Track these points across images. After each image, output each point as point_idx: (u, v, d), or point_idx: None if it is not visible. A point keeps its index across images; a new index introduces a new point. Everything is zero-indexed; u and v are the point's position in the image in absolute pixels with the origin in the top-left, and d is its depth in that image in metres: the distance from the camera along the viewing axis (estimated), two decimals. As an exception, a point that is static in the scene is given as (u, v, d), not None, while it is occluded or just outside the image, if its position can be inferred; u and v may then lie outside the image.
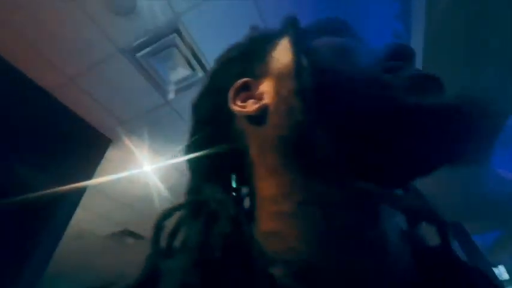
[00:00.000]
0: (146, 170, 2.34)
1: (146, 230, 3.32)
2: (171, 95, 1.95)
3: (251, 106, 0.31)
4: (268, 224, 0.29)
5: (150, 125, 2.07)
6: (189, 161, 0.36)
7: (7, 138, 1.40)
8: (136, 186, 2.53)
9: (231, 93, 0.33)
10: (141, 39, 1.65)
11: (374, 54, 0.30)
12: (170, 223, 0.31)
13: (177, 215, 0.31)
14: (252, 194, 0.33)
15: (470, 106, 0.24)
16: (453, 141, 0.24)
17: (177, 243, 0.30)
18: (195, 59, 1.80)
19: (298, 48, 0.30)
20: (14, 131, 1.49)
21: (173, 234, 0.30)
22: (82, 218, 2.71)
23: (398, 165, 0.26)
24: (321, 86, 0.27)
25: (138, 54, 1.72)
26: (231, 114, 0.34)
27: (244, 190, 0.35)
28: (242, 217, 0.28)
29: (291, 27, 0.34)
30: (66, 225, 1.64)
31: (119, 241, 3.32)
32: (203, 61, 1.81)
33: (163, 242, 0.29)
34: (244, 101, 0.32)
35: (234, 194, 0.34)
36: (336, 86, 0.27)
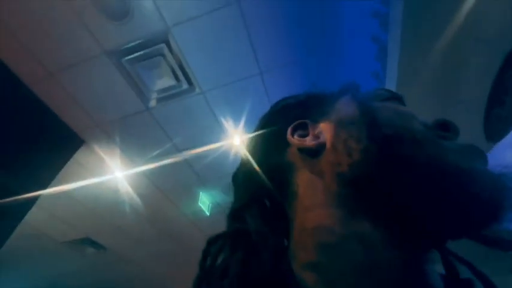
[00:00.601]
0: (117, 176, 2.26)
1: (109, 240, 3.15)
2: (153, 103, 1.95)
3: (309, 141, 0.35)
4: (307, 255, 0.30)
5: (127, 130, 2.04)
6: (236, 185, 0.40)
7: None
8: (104, 193, 2.43)
9: (290, 129, 0.37)
10: (129, 45, 1.67)
11: (426, 122, 0.34)
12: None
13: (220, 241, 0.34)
14: (290, 224, 0.35)
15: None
16: (497, 205, 0.26)
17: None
18: (181, 70, 1.83)
19: (362, 104, 0.36)
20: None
21: (215, 260, 0.32)
22: (41, 219, 2.55)
23: (443, 219, 0.28)
24: (381, 136, 0.31)
25: (124, 59, 1.73)
26: (283, 148, 0.38)
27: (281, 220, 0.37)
28: (281, 250, 0.31)
29: (353, 89, 0.41)
30: (16, 225, 1.53)
31: (78, 249, 3.11)
32: (189, 73, 1.84)
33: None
34: (300, 137, 0.36)
35: (272, 223, 0.36)
36: (395, 138, 0.30)
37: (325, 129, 0.36)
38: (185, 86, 1.91)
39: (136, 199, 2.57)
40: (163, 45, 1.69)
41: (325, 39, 1.79)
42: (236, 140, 2.21)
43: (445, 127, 0.33)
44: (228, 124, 2.12)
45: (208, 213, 2.84)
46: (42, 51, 1.63)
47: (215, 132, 2.17)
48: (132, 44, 1.66)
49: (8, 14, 1.49)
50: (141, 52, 1.71)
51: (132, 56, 1.71)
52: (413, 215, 0.28)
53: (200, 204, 2.73)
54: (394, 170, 0.29)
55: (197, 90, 1.93)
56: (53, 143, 1.80)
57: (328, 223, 0.30)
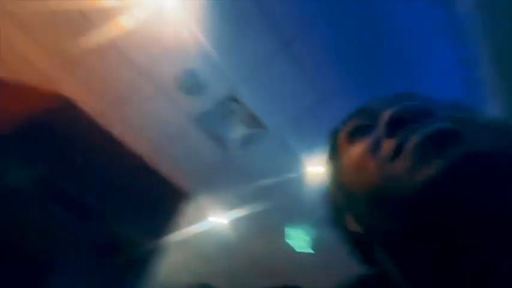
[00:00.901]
0: (218, 221, 2.54)
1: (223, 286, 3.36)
2: (234, 152, 2.21)
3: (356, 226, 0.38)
4: None
5: (218, 179, 2.34)
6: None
7: (107, 199, 1.82)
8: (212, 237, 2.73)
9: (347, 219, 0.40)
10: (206, 110, 2.02)
11: (376, 147, 0.32)
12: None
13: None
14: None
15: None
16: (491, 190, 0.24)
17: None
18: (251, 118, 2.06)
19: (332, 181, 0.41)
20: (116, 194, 1.93)
21: None
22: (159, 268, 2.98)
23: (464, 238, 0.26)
24: (359, 209, 0.34)
25: (205, 121, 2.08)
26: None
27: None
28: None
29: (329, 158, 0.44)
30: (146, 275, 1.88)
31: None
32: (258, 118, 2.05)
33: None
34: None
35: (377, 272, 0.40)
36: (366, 202, 0.32)
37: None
38: (257, 130, 2.11)
39: (240, 242, 2.76)
40: (233, 102, 1.98)
41: (383, 54, 1.73)
42: (316, 168, 2.21)
43: (394, 126, 0.30)
44: (304, 154, 2.17)
45: (310, 250, 2.76)
46: (150, 132, 2.15)
47: (294, 165, 2.24)
48: (209, 108, 2.01)
49: (122, 110, 2.07)
50: (217, 112, 2.03)
51: (210, 117, 2.06)
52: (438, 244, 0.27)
53: (297, 241, 2.71)
54: (393, 225, 0.29)
55: (268, 130, 2.11)
56: (164, 200, 2.22)
57: (397, 275, 0.32)
